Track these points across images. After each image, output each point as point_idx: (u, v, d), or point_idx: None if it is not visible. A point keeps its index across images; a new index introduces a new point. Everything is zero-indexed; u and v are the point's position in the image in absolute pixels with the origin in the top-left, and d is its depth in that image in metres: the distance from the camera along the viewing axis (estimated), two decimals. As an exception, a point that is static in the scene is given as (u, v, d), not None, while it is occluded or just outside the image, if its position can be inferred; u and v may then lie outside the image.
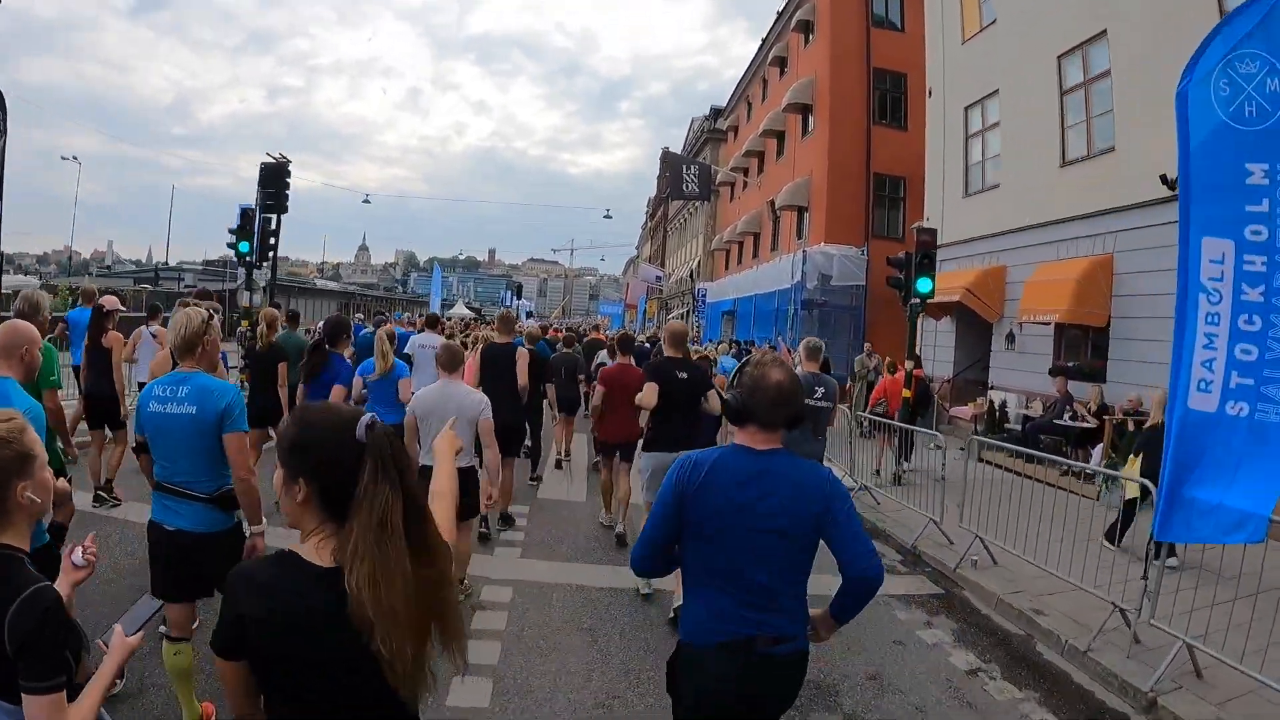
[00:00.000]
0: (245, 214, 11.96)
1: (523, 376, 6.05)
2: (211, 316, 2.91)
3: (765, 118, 24.17)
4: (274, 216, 17.54)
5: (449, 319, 25.92)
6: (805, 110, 21.62)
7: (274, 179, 16.67)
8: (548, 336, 11.73)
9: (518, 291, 62.91)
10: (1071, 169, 11.00)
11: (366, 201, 33.56)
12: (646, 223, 66.45)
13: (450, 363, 4.33)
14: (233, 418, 2.70)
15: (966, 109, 13.65)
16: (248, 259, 12.29)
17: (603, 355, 9.90)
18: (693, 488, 1.93)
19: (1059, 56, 11.27)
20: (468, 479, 4.07)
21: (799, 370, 5.42)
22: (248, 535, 2.81)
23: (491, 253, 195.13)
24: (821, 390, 5.18)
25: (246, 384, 6.72)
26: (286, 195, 16.83)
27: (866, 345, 14.46)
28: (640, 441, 5.34)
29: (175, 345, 2.81)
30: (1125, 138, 10.00)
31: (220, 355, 3.80)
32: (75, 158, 34.92)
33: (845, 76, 19.79)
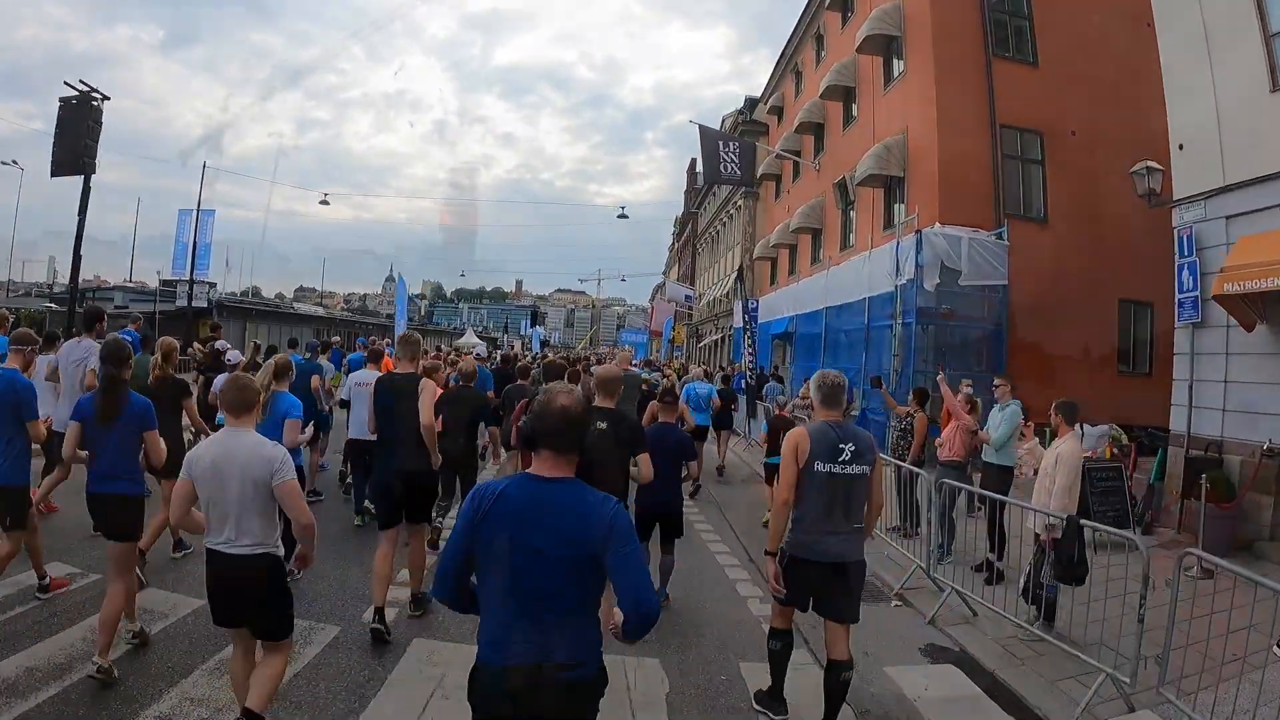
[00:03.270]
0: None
1: (425, 413, 4.55)
2: None
3: (829, 71, 17.94)
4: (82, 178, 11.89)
5: (454, 349, 20.33)
6: (888, 48, 15.39)
7: (75, 121, 10.90)
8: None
9: (533, 319, 57.75)
10: None
11: (324, 203, 28.10)
12: (674, 244, 60.38)
13: (235, 403, 2.90)
14: None
15: (1260, -65, 7.26)
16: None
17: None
18: (479, 517, 1.96)
19: None
20: (268, 580, 2.89)
21: (813, 423, 3.60)
22: None
23: (519, 283, 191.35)
24: (851, 448, 3.34)
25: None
26: (93, 148, 10.95)
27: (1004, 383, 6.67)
28: None
29: None
30: None
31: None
32: (15, 161, 29.99)
33: (948, -11, 13.57)
